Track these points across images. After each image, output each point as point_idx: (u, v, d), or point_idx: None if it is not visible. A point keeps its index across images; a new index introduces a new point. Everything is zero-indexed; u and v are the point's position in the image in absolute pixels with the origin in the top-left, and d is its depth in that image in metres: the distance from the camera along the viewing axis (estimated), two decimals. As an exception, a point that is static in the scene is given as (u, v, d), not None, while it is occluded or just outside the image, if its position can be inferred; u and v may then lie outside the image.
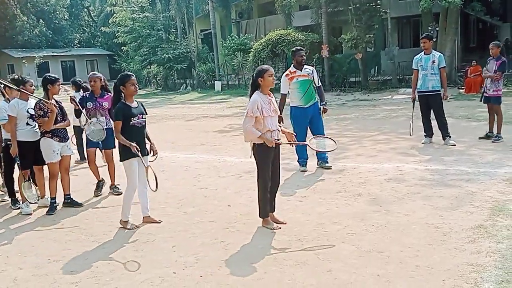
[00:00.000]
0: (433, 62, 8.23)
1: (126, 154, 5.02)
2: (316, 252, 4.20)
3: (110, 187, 6.68)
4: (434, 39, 19.22)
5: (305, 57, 7.16)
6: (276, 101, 5.02)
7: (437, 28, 19.33)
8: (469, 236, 4.32)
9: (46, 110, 5.75)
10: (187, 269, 4.07)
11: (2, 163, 6.42)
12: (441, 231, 4.49)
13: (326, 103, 7.29)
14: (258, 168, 4.89)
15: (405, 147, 8.45)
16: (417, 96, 8.51)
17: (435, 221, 4.75)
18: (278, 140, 4.88)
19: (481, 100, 8.69)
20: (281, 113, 7.19)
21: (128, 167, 5.07)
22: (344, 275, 3.74)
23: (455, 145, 8.09)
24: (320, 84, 7.27)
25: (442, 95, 8.27)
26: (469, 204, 5.17)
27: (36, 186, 6.21)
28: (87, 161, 6.90)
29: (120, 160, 5.12)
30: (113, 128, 5.14)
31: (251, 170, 7.43)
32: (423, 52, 8.44)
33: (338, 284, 3.59)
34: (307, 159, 7.27)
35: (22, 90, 5.95)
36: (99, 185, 6.72)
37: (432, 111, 8.44)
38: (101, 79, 6.67)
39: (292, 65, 7.17)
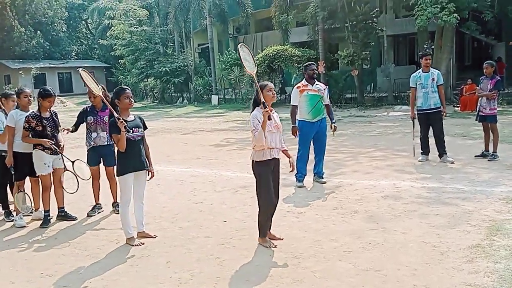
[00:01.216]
0: (433, 79, 8.26)
1: (122, 169, 4.99)
2: (313, 270, 4.15)
3: (112, 204, 6.49)
4: (430, 57, 19.54)
5: (316, 71, 7.25)
6: (278, 115, 4.96)
7: (433, 47, 19.51)
8: (467, 255, 4.29)
9: (32, 124, 5.71)
10: (182, 286, 4.01)
11: None
12: (438, 250, 4.46)
13: (335, 121, 7.36)
14: (259, 188, 4.74)
15: (402, 164, 8.46)
16: (416, 114, 8.51)
17: (432, 239, 4.73)
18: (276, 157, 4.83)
19: (476, 119, 8.72)
20: (293, 123, 7.24)
21: (122, 182, 5.02)
22: (341, 293, 3.69)
23: (453, 162, 8.10)
24: (329, 102, 7.32)
25: (441, 112, 8.30)
26: (466, 223, 5.15)
27: (30, 198, 6.16)
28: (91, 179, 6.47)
29: (116, 175, 5.09)
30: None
31: (247, 185, 7.41)
32: (420, 70, 8.48)
33: (335, 303, 3.54)
34: (305, 175, 7.26)
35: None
36: (95, 208, 6.44)
37: (431, 128, 8.42)
38: (103, 89, 6.49)
39: (304, 79, 7.26)
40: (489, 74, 8.37)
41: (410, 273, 3.99)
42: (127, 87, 5.20)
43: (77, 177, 5.94)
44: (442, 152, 8.34)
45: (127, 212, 5.07)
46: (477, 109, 8.71)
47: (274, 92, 4.82)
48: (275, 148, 4.77)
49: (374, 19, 21.44)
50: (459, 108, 17.84)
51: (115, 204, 6.40)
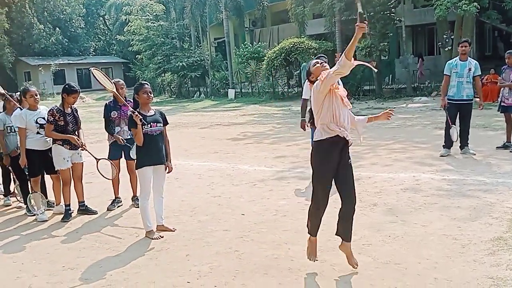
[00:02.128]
0: (469, 69, 7.93)
1: (140, 162, 5.04)
2: (332, 263, 4.13)
3: (132, 198, 6.55)
4: (449, 48, 19.20)
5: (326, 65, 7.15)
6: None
7: (452, 37, 19.17)
8: (489, 248, 4.22)
9: (56, 117, 5.78)
10: (201, 279, 4.03)
11: (14, 173, 6.54)
12: (460, 243, 4.40)
13: None
14: (313, 179, 4.13)
15: (421, 156, 8.35)
16: (448, 102, 8.14)
17: (453, 232, 4.66)
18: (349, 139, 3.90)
19: (498, 110, 8.53)
20: (302, 117, 7.22)
21: (141, 176, 5.09)
22: (361, 287, 3.67)
23: (475, 154, 7.94)
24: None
25: (478, 105, 8.12)
26: (487, 215, 5.07)
27: (46, 197, 6.27)
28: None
29: (135, 168, 5.16)
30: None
31: (264, 179, 7.41)
32: (457, 58, 8.10)
33: (354, 296, 3.52)
34: (322, 168, 7.21)
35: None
36: (115, 201, 6.51)
37: (458, 120, 8.12)
38: (123, 86, 6.46)
39: None
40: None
41: (431, 266, 3.94)
42: (146, 83, 5.24)
43: (102, 175, 6.00)
44: (464, 144, 8.13)
45: (147, 206, 5.12)
46: (499, 100, 8.52)
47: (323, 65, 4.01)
48: (344, 129, 3.87)
49: (392, 9, 21.12)
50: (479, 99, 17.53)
51: (134, 198, 6.46)
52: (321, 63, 4.00)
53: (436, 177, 6.78)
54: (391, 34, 21.67)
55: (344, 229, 4.07)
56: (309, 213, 4.21)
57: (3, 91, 6.80)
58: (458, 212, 5.25)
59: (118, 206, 6.47)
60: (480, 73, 8.14)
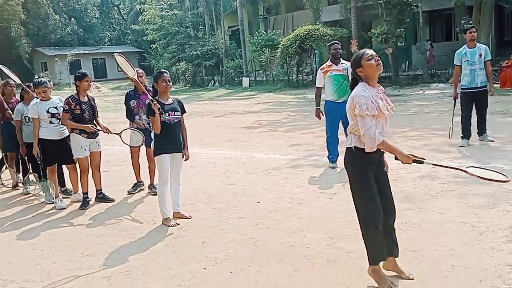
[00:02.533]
0: (480, 55, 7.68)
1: (157, 150, 5.09)
2: (347, 251, 4.13)
3: (149, 186, 6.62)
4: (468, 33, 18.85)
5: (340, 51, 7.09)
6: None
7: (470, 22, 18.78)
8: (507, 235, 4.17)
9: (72, 106, 5.84)
10: (217, 265, 4.07)
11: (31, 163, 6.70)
12: (477, 230, 4.36)
13: None
14: (354, 194, 3.53)
15: (438, 143, 8.25)
16: (459, 93, 7.92)
17: (471, 219, 4.61)
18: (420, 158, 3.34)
19: None
20: (317, 105, 7.21)
21: (159, 163, 5.14)
22: (377, 274, 3.65)
23: (493, 141, 7.77)
24: None
25: (488, 91, 7.74)
26: (506, 203, 5.00)
27: (63, 186, 6.39)
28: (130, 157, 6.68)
29: (153, 156, 5.22)
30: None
31: (279, 167, 7.41)
32: (466, 46, 7.86)
33: (370, 283, 3.51)
34: (338, 155, 7.17)
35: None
36: (136, 185, 6.67)
37: (475, 108, 7.87)
38: (143, 74, 6.57)
39: (329, 59, 7.15)
40: None
41: (448, 254, 3.91)
42: (165, 71, 5.28)
43: (125, 143, 6.10)
44: (482, 131, 7.92)
45: (165, 193, 5.17)
46: None
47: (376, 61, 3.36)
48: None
49: (409, -6, 20.78)
50: (498, 85, 17.21)
51: (151, 186, 6.52)
52: (377, 60, 3.35)
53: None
54: (408, 20, 21.30)
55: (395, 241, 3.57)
56: (365, 242, 3.48)
57: (19, 82, 6.89)
58: (475, 199, 5.19)
59: (140, 190, 6.61)
60: (490, 58, 7.86)
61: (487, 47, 7.94)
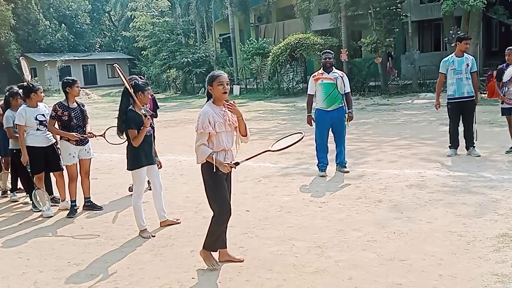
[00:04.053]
0: (467, 65, 7.68)
1: (136, 164, 5.02)
2: (336, 260, 4.13)
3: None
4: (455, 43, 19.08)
5: (330, 60, 7.11)
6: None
7: (459, 32, 19.01)
8: (494, 245, 4.21)
9: (58, 113, 5.79)
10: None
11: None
12: (465, 239, 4.39)
13: (352, 111, 7.19)
14: (209, 195, 4.14)
15: (427, 152, 8.31)
16: (447, 103, 7.93)
17: (458, 229, 4.65)
18: (235, 162, 4.08)
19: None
20: (308, 112, 7.24)
21: (137, 176, 5.05)
22: (365, 283, 3.67)
23: (479, 156, 7.64)
24: (349, 90, 7.18)
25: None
26: (493, 212, 5.04)
27: (50, 194, 6.30)
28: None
29: (129, 169, 5.08)
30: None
31: (269, 175, 7.41)
32: (453, 54, 7.88)
33: (359, 293, 3.52)
34: (327, 164, 7.21)
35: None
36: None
37: (461, 118, 7.86)
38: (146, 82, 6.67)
39: (322, 67, 7.20)
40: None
41: (436, 263, 3.93)
42: (148, 82, 5.27)
43: (110, 143, 6.01)
44: (469, 144, 7.83)
45: (140, 205, 5.11)
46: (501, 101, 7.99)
47: (227, 87, 4.07)
48: (230, 150, 4.23)
49: (398, 4, 20.99)
50: (486, 95, 17.40)
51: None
52: (225, 88, 4.03)
53: (442, 174, 6.76)
54: (397, 29, 21.55)
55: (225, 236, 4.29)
56: (212, 233, 4.17)
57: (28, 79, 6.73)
58: (463, 208, 5.23)
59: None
60: (476, 69, 7.88)
61: (473, 58, 7.97)
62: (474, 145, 7.82)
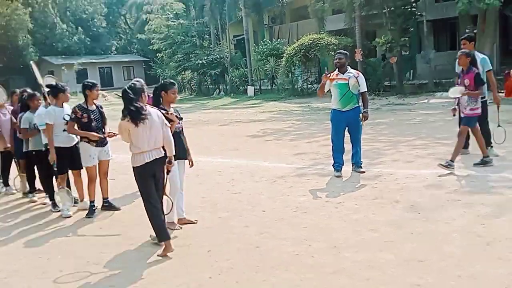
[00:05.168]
0: None
1: None
2: (353, 260, 4.12)
3: None
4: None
5: (341, 60, 7.07)
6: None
7: (475, 31, 18.79)
8: (514, 245, 4.16)
9: (78, 115, 5.88)
10: (223, 274, 4.07)
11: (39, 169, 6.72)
12: (484, 240, 4.34)
13: (367, 110, 7.13)
14: (140, 193, 4.73)
15: (444, 152, 8.20)
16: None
17: (477, 229, 4.60)
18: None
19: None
20: (321, 93, 7.30)
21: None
22: (383, 284, 3.66)
23: (498, 156, 7.48)
24: (365, 90, 7.14)
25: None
26: (512, 212, 4.98)
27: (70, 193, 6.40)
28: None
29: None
30: None
31: (284, 175, 7.42)
32: None
33: (376, 293, 3.51)
34: (343, 164, 7.18)
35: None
36: None
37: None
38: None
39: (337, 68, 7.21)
40: (464, 65, 6.92)
41: (454, 264, 3.90)
42: (175, 83, 5.40)
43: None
44: (487, 144, 7.52)
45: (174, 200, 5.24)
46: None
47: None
48: (153, 150, 4.62)
49: (413, 4, 20.81)
50: (503, 94, 17.16)
51: None
52: (174, 94, 5.11)
53: (459, 174, 6.68)
54: (412, 29, 21.37)
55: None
56: (153, 224, 4.65)
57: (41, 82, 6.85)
58: (482, 209, 5.17)
59: None
60: (490, 68, 7.53)
61: (485, 57, 7.68)
62: (492, 145, 7.70)
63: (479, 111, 6.95)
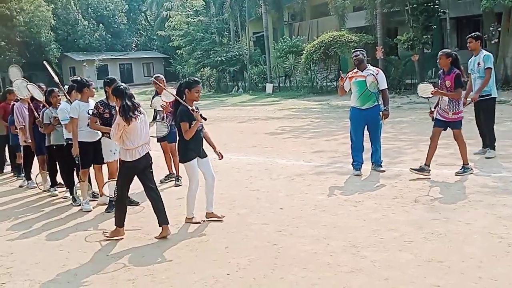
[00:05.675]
0: (479, 64, 7.46)
1: (187, 156, 5.23)
2: (372, 260, 4.08)
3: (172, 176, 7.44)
4: (496, 40, 18.46)
5: (357, 57, 7.00)
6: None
7: (499, 29, 18.43)
8: (537, 248, 4.07)
9: (100, 110, 5.96)
10: (240, 271, 4.08)
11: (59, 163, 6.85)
12: (505, 241, 4.26)
13: (388, 108, 7.03)
14: (118, 184, 5.15)
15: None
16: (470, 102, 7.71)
17: (499, 230, 4.51)
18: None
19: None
20: (342, 93, 7.34)
21: (189, 168, 5.27)
22: (402, 284, 3.61)
23: (493, 157, 7.35)
24: (385, 87, 7.05)
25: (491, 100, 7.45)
26: (536, 214, 4.87)
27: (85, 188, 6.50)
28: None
29: (180, 162, 5.40)
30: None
31: (302, 173, 7.39)
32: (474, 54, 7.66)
33: (395, 293, 3.48)
34: (362, 163, 7.12)
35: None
36: (168, 176, 7.52)
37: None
38: (163, 81, 7.26)
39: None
40: (445, 66, 6.62)
41: (475, 265, 3.83)
42: (199, 81, 5.47)
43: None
44: (486, 144, 7.65)
45: (194, 195, 5.39)
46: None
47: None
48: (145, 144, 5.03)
49: (436, 1, 20.49)
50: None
51: (175, 177, 7.36)
52: (198, 92, 5.27)
53: (481, 174, 6.57)
54: (435, 26, 21.02)
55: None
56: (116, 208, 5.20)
57: (57, 81, 6.99)
58: (504, 210, 5.07)
59: (170, 181, 7.45)
60: (490, 66, 7.38)
61: (488, 55, 7.48)
62: (494, 147, 7.52)
63: (462, 114, 6.76)
